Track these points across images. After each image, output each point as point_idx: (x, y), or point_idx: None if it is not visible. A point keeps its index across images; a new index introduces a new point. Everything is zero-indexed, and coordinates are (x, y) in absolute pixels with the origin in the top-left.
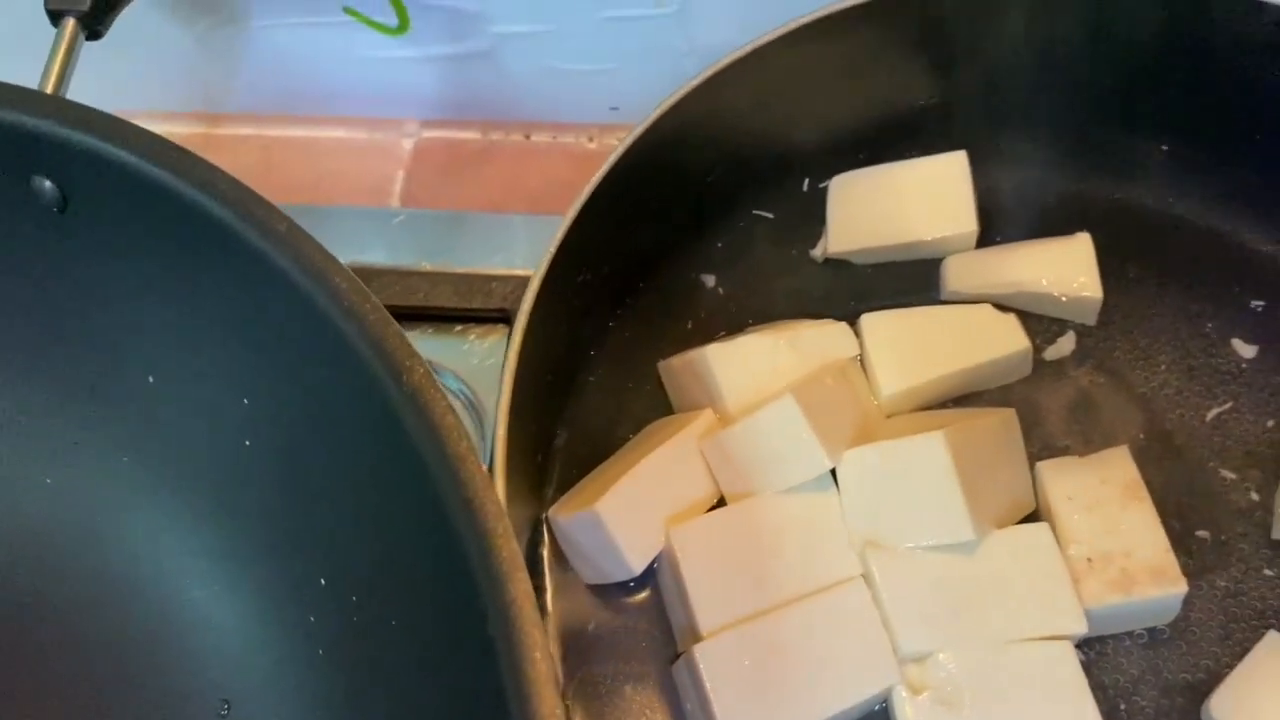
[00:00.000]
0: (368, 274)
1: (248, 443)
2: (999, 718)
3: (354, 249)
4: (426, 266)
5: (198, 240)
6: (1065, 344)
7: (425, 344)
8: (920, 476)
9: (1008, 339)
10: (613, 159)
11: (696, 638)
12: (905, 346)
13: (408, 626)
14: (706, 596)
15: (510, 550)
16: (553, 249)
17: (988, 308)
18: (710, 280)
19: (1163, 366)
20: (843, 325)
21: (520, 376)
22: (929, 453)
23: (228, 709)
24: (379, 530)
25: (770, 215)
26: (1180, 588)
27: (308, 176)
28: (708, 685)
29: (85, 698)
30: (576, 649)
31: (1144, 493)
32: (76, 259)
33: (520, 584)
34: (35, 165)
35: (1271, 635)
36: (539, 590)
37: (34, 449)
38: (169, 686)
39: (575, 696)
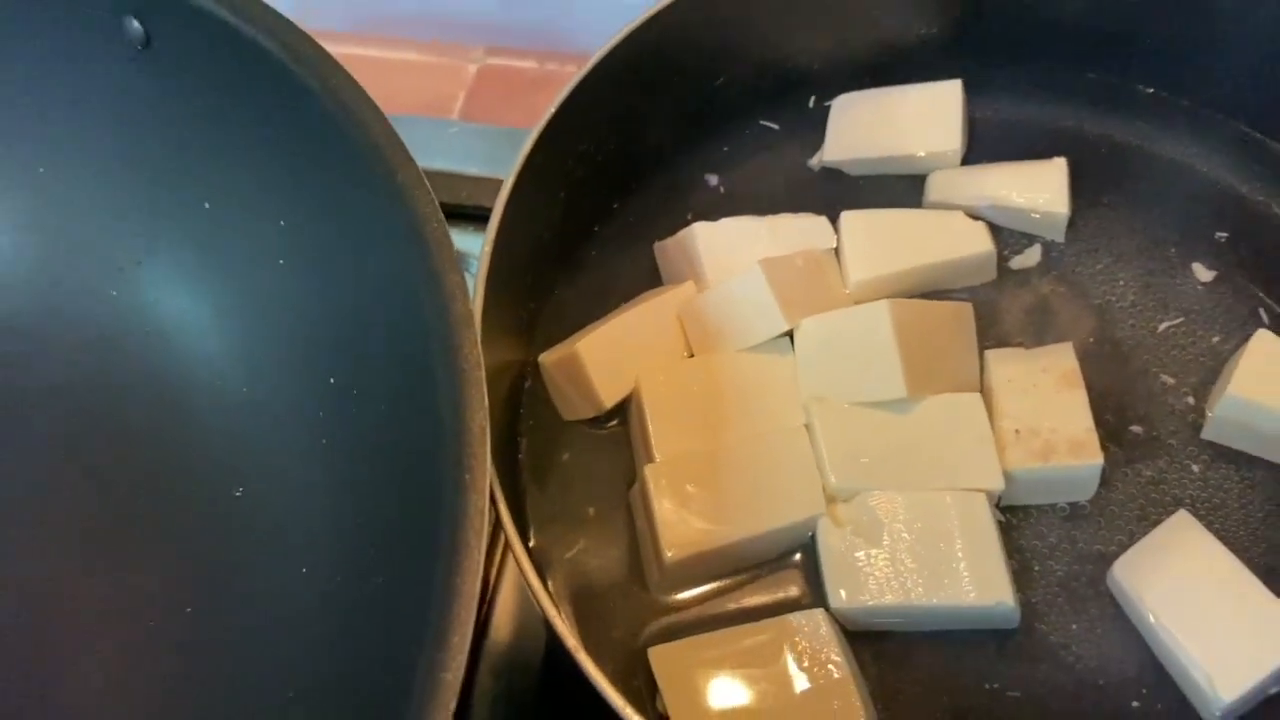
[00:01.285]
0: None
1: (282, 262)
2: (912, 553)
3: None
4: (474, 172)
5: (256, 77)
6: (1032, 255)
7: (467, 239)
8: (865, 340)
9: (974, 241)
10: (600, 55)
11: (651, 462)
12: (878, 241)
13: (393, 411)
14: (664, 431)
15: (462, 308)
16: (548, 116)
17: (959, 214)
18: (714, 179)
19: (1121, 282)
20: (822, 219)
21: (505, 237)
22: (874, 318)
23: (241, 491)
24: (377, 324)
25: (775, 126)
26: (1096, 459)
27: (377, 91)
28: (653, 500)
29: (124, 475)
30: (550, 475)
31: (1079, 381)
32: (152, 94)
33: (468, 339)
34: (127, 6)
35: (1182, 514)
36: (517, 420)
37: (104, 265)
38: (196, 472)
39: (545, 515)
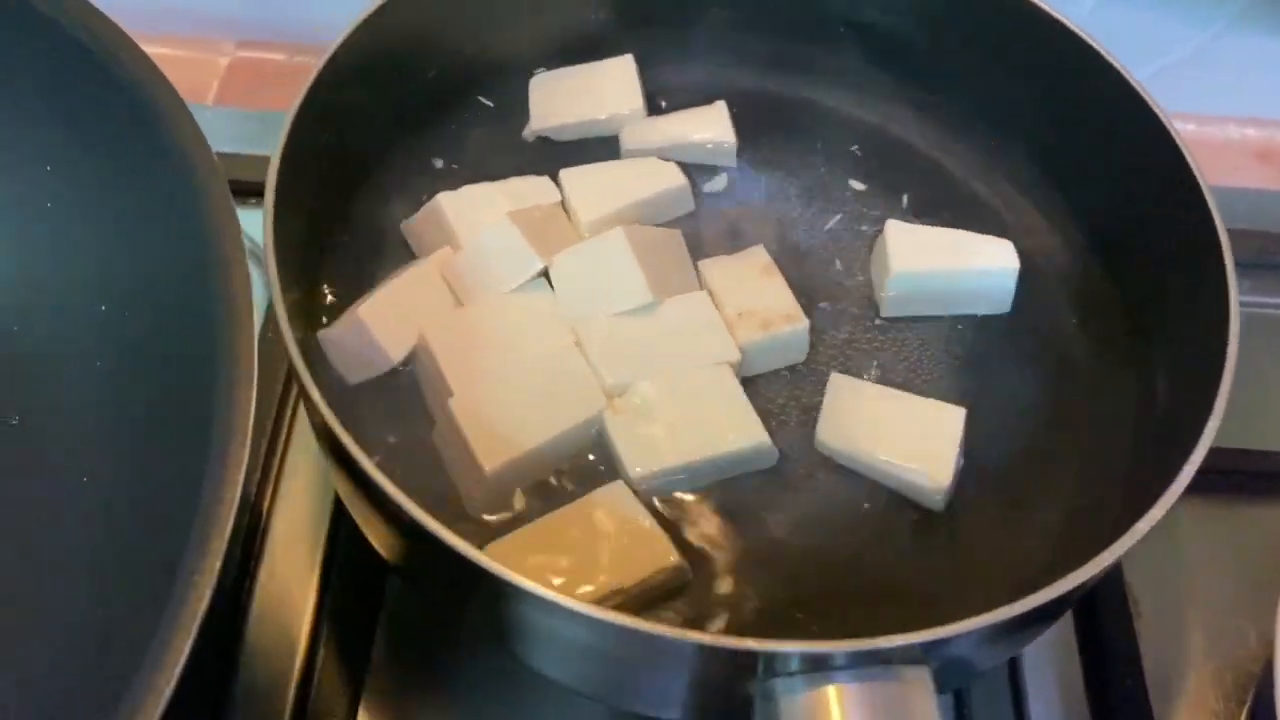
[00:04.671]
0: None
1: (49, 204)
2: (682, 421)
3: None
4: (229, 149)
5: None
6: (719, 181)
7: None
8: (609, 262)
9: (671, 178)
10: (327, 55)
11: (448, 398)
12: (595, 188)
13: (161, 333)
14: (455, 370)
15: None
16: (295, 108)
17: (654, 159)
18: (439, 162)
19: (792, 196)
20: (544, 179)
21: (278, 229)
22: (613, 243)
23: (17, 420)
24: (148, 255)
25: (491, 104)
26: (803, 323)
27: None
28: (462, 425)
29: None
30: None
31: (776, 271)
32: None
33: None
34: None
35: (834, 375)
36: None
37: None
38: None
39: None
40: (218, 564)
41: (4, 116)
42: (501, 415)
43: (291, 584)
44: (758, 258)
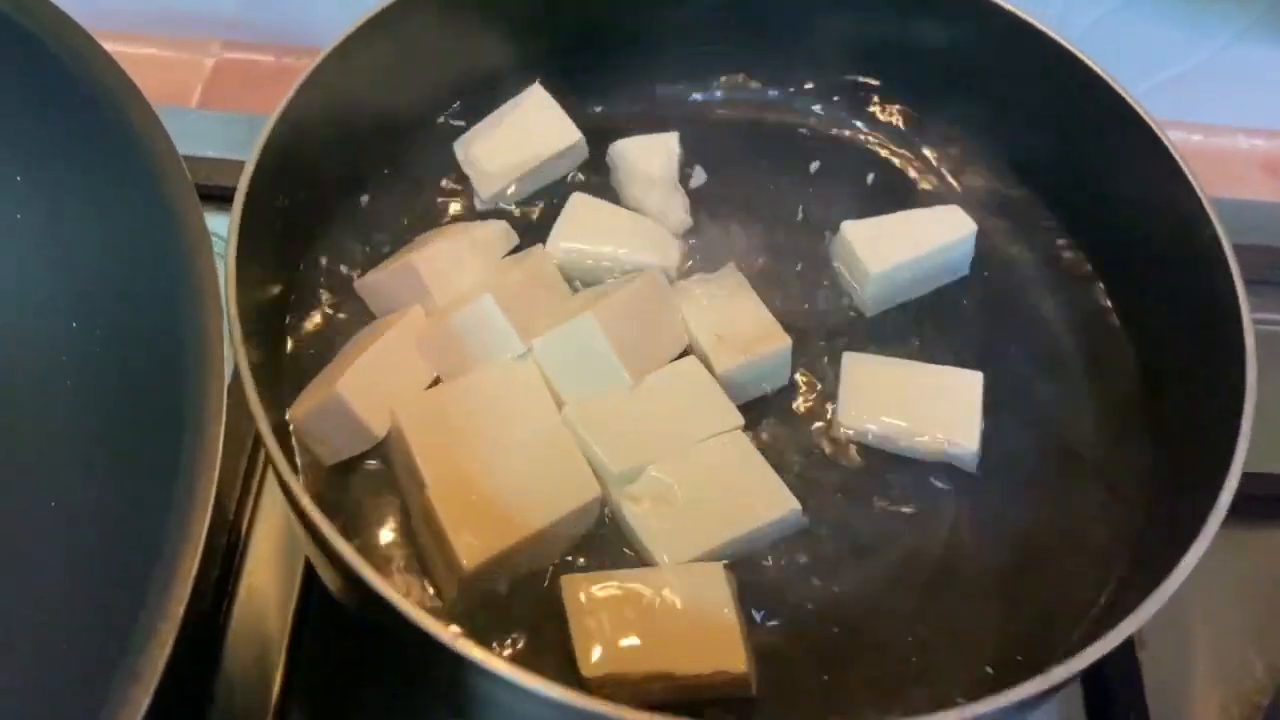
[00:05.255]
0: None
1: (19, 216)
2: (706, 500)
3: None
4: (212, 154)
5: None
6: (699, 175)
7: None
8: (586, 349)
9: (668, 254)
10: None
11: (424, 489)
12: (586, 224)
13: (131, 352)
14: (431, 456)
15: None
16: (248, 174)
17: (665, 230)
18: (364, 199)
19: (755, 207)
20: (503, 223)
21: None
22: (587, 330)
23: None
24: (119, 272)
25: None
26: (785, 342)
27: None
28: (441, 519)
29: None
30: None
31: (749, 289)
32: None
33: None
34: None
35: (847, 355)
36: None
37: None
38: None
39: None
40: (181, 610)
41: None
42: (484, 506)
43: (270, 602)
44: (730, 278)
